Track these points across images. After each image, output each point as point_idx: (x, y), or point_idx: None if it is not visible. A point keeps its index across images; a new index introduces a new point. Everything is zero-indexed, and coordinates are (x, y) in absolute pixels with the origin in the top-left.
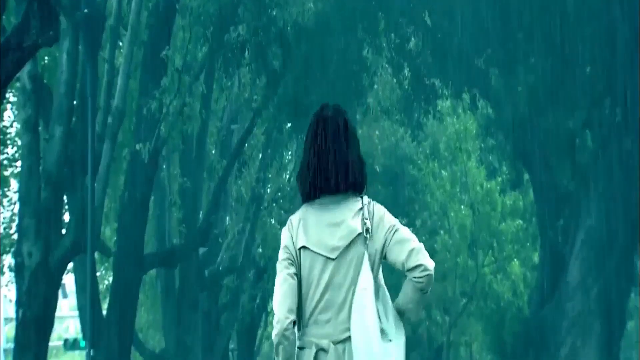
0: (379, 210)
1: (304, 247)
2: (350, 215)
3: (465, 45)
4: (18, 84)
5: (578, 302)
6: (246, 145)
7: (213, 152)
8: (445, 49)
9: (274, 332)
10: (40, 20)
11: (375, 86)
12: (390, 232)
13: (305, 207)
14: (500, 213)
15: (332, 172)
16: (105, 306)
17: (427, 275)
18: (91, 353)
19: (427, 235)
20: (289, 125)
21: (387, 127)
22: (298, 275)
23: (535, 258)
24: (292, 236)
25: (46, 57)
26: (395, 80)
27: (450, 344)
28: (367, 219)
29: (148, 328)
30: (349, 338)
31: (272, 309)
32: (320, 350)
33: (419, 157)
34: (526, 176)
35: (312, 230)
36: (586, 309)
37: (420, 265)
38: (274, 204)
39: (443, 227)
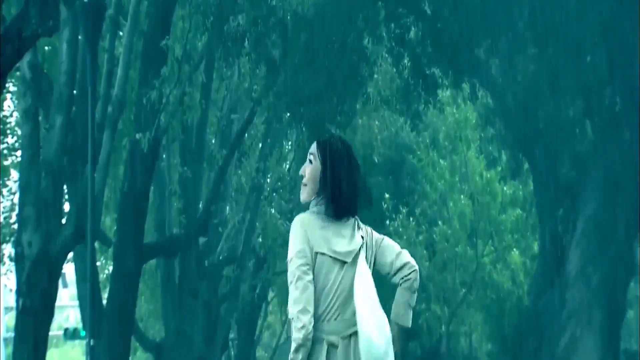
0: (367, 228)
1: (321, 253)
2: (352, 229)
3: (465, 35)
4: (18, 74)
5: (578, 291)
6: (246, 135)
7: (213, 141)
8: (445, 39)
9: (299, 336)
10: (40, 10)
11: (375, 76)
12: (380, 239)
13: (310, 214)
14: (500, 203)
15: (353, 201)
16: (105, 296)
17: (414, 271)
18: (91, 342)
19: (426, 225)
20: (288, 115)
21: (387, 116)
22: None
23: (535, 247)
24: (308, 238)
25: (46, 47)
26: (395, 70)
27: (450, 334)
28: (360, 229)
29: (148, 317)
30: (354, 333)
31: (272, 299)
32: (331, 345)
33: (418, 146)
34: (526, 166)
35: (326, 236)
36: (586, 298)
37: (407, 262)
38: (274, 194)
39: (443, 216)
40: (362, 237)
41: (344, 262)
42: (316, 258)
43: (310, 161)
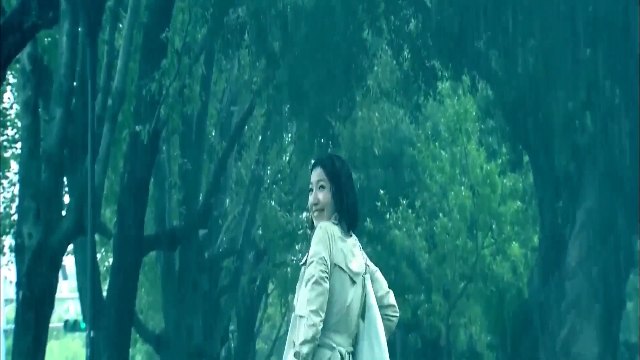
0: (363, 252)
1: (339, 267)
2: (360, 251)
3: (465, 27)
4: (18, 66)
5: (577, 283)
6: (246, 127)
7: (213, 134)
8: (445, 31)
9: (309, 332)
10: (39, 1)
11: (375, 68)
12: (374, 270)
13: (333, 225)
14: (500, 195)
15: (357, 212)
16: (105, 288)
17: (397, 316)
18: (91, 334)
19: (426, 217)
20: (288, 107)
21: (386, 109)
22: None
23: (535, 239)
24: (330, 248)
25: (46, 39)
26: (395, 62)
27: (450, 326)
28: (362, 252)
29: (148, 309)
30: (351, 352)
31: (272, 291)
32: (340, 354)
33: (418, 139)
34: (526, 158)
35: (344, 251)
36: (585, 290)
37: (394, 305)
38: (274, 186)
39: (442, 209)
40: (365, 262)
41: (354, 282)
42: (333, 270)
43: (322, 187)
